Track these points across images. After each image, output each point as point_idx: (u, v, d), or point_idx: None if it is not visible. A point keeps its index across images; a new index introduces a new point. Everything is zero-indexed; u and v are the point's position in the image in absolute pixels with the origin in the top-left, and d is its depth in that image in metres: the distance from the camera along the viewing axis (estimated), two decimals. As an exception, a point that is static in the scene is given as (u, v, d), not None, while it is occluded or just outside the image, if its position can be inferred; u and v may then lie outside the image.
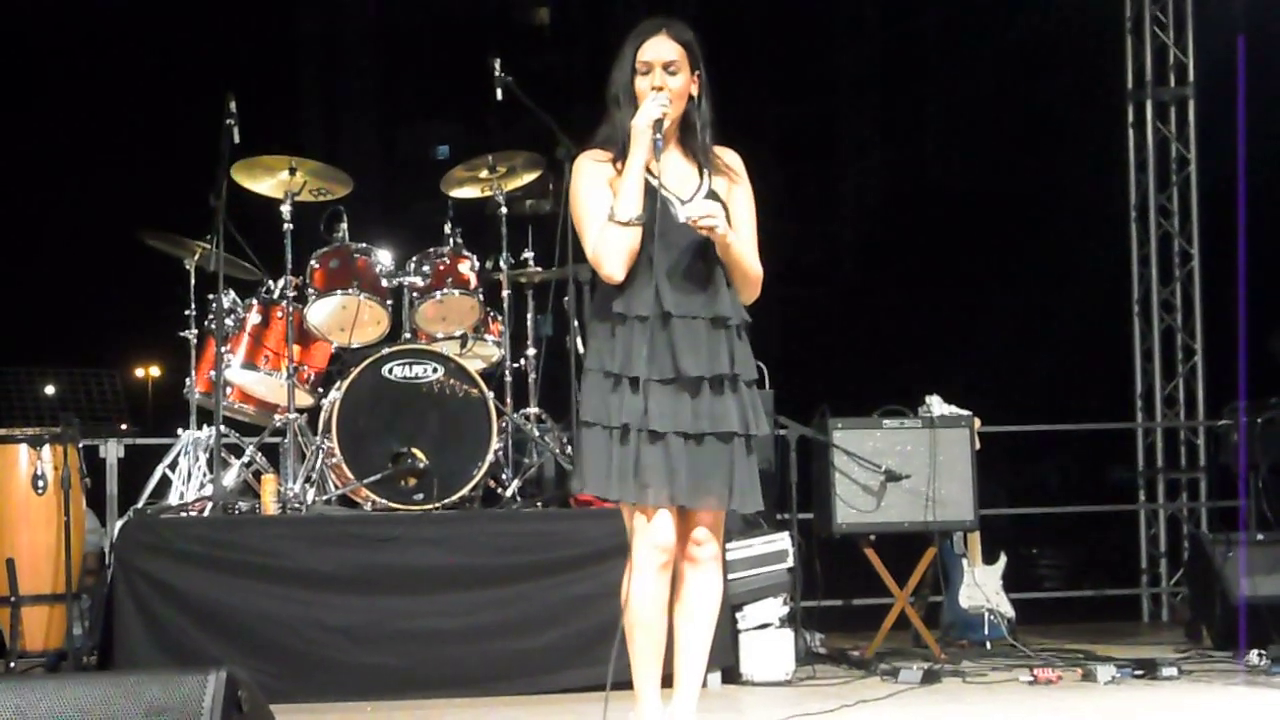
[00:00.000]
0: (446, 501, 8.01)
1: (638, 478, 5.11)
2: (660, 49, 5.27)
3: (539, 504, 8.24)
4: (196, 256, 8.66)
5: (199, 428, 8.54)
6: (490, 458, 8.13)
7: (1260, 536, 9.34)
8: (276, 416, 8.56)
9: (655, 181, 5.20)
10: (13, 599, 7.64)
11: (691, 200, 5.26)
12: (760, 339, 5.45)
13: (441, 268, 8.63)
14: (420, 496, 8.03)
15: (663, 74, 5.26)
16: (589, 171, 5.32)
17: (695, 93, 5.33)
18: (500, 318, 8.79)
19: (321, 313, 8.49)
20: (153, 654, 7.29)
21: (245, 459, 8.46)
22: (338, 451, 8.03)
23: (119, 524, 7.89)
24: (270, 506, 7.97)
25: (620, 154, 5.27)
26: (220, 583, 7.46)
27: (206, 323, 8.59)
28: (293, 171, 8.54)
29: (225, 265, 8.34)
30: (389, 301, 8.56)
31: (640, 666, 5.24)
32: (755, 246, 5.40)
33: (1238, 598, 8.94)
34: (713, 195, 5.29)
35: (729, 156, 5.44)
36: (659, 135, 5.19)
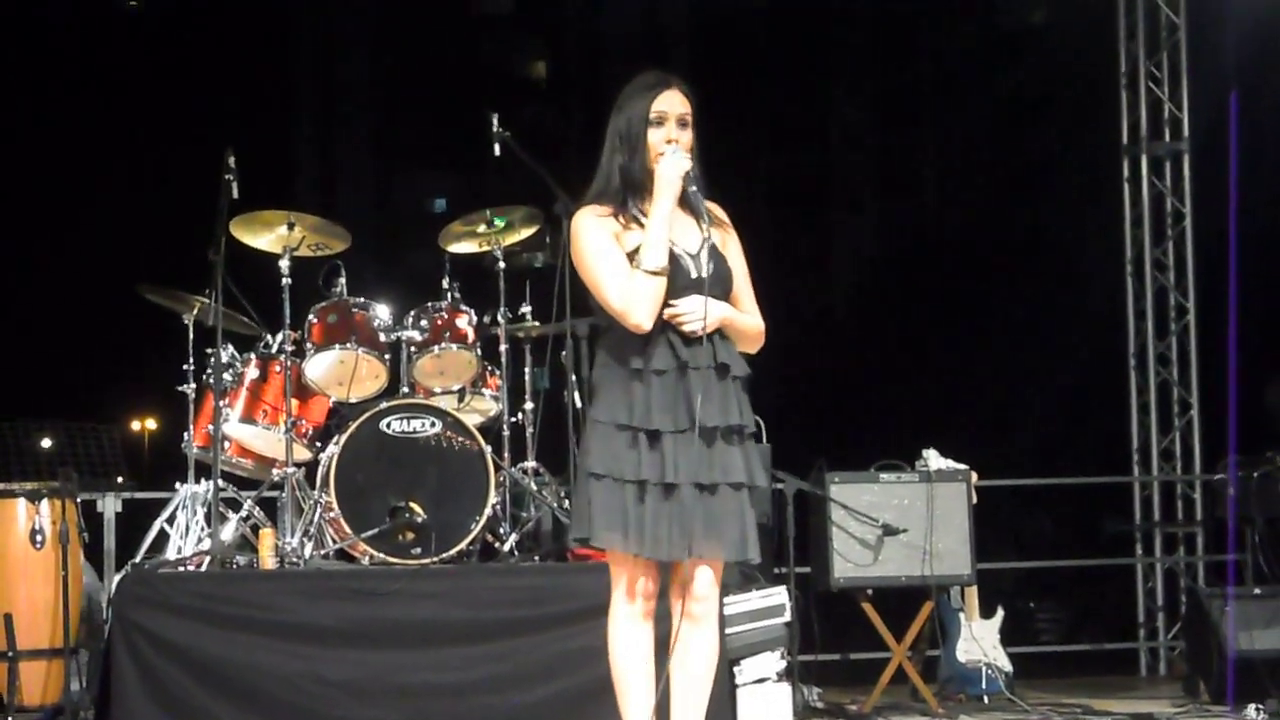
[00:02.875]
0: (444, 556, 8.00)
1: (652, 531, 5.13)
2: (674, 102, 5.34)
3: (536, 558, 8.24)
4: (195, 311, 8.67)
5: (196, 482, 8.53)
6: (488, 512, 8.13)
7: (1257, 591, 9.34)
8: (274, 471, 8.56)
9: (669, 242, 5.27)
10: (10, 654, 7.63)
11: (698, 255, 5.32)
12: (757, 392, 5.48)
13: (439, 322, 8.64)
14: (418, 551, 8.02)
15: (677, 128, 5.32)
16: (593, 227, 5.34)
17: (691, 147, 5.39)
18: (498, 372, 8.80)
19: (320, 367, 8.50)
20: (150, 709, 7.26)
21: (243, 513, 8.44)
22: (335, 506, 8.03)
23: (116, 578, 7.88)
24: (268, 561, 7.96)
25: (621, 206, 5.32)
26: (218, 637, 7.43)
27: (205, 377, 8.59)
28: (291, 227, 8.56)
29: (224, 320, 8.34)
30: (387, 356, 8.56)
31: (632, 716, 5.25)
32: (753, 297, 5.49)
33: (1235, 652, 8.93)
34: (714, 249, 5.35)
35: (715, 208, 5.51)
36: (694, 187, 5.26)
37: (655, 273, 5.21)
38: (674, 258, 5.27)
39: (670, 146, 5.31)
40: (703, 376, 5.24)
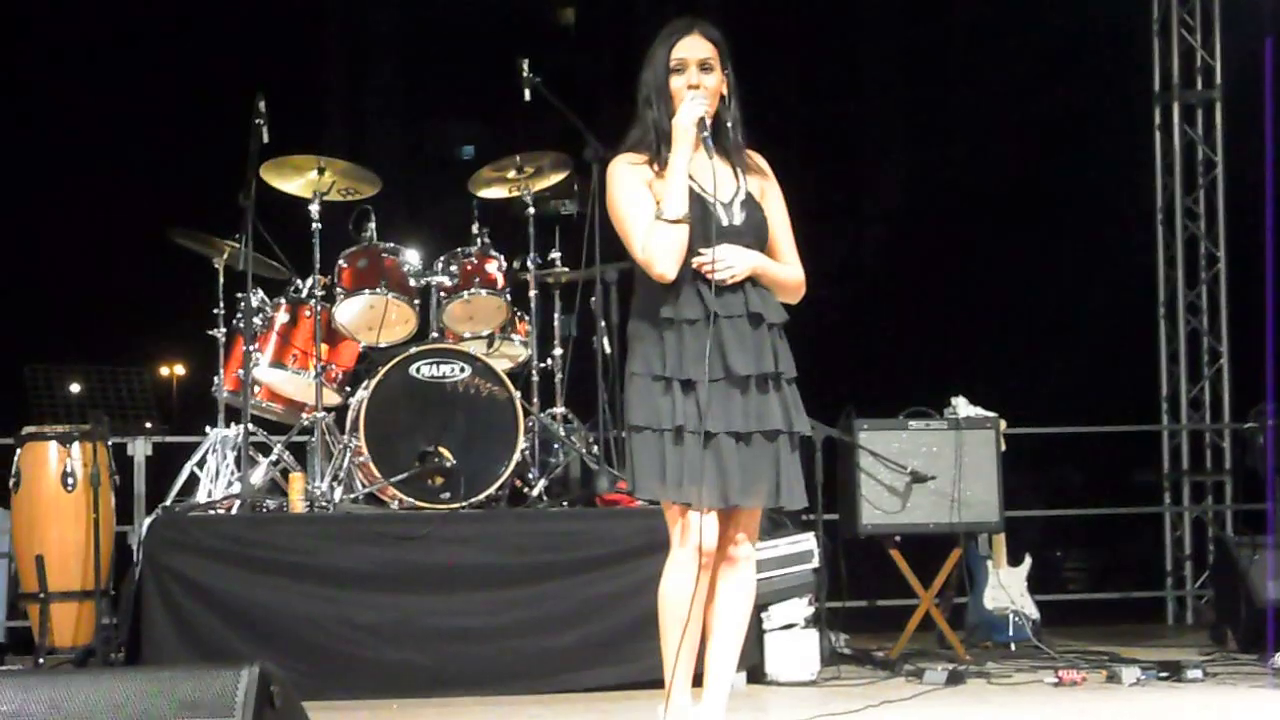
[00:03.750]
0: (473, 500, 8.04)
1: (692, 479, 5.13)
2: (694, 47, 5.32)
3: (565, 503, 8.26)
4: (225, 255, 8.69)
5: (226, 426, 8.57)
6: (517, 457, 8.15)
7: (1287, 539, 9.33)
8: (304, 415, 8.59)
9: (697, 187, 5.25)
10: (42, 595, 7.68)
11: (731, 203, 5.31)
12: (787, 339, 5.47)
13: (469, 268, 8.65)
14: (447, 495, 8.05)
15: (698, 72, 5.31)
16: (627, 175, 5.34)
17: (725, 92, 5.37)
18: (527, 318, 8.81)
19: (349, 312, 8.52)
20: (180, 650, 7.32)
21: (273, 457, 8.48)
22: (365, 450, 8.05)
23: (147, 521, 7.93)
24: (298, 505, 8.00)
25: (655, 155, 5.31)
26: (248, 580, 7.49)
27: (235, 321, 8.62)
28: (321, 171, 8.57)
29: (254, 264, 8.37)
30: (416, 301, 8.58)
31: (676, 664, 5.27)
32: (793, 245, 5.48)
33: (1264, 601, 8.93)
34: (749, 198, 5.34)
35: (756, 157, 5.49)
36: (706, 132, 5.25)
37: (675, 221, 5.21)
38: (705, 206, 5.25)
39: (690, 93, 5.29)
40: (734, 325, 5.24)
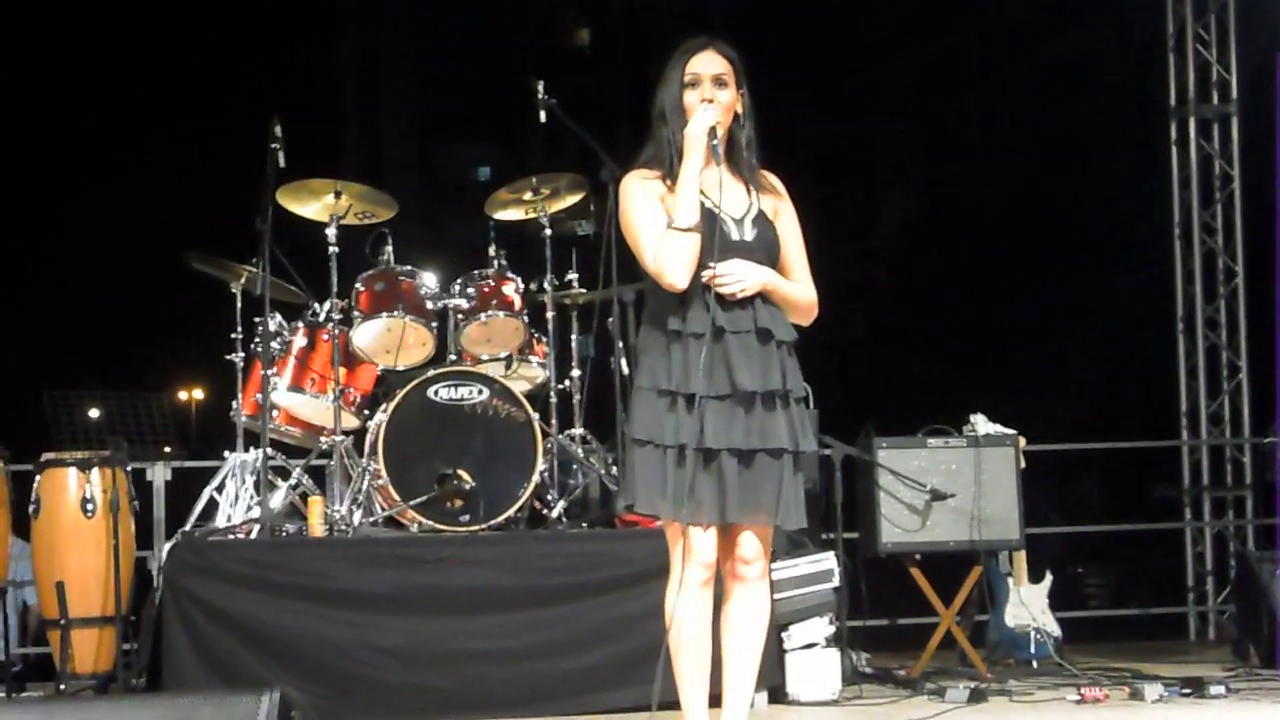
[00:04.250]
0: (492, 523, 8.03)
1: (692, 497, 5.13)
2: (709, 63, 5.33)
3: (584, 525, 8.26)
4: (242, 280, 8.70)
5: (245, 450, 8.57)
6: (536, 479, 8.14)
7: (1309, 554, 9.31)
8: (323, 439, 8.59)
9: (708, 201, 5.25)
10: (63, 622, 7.68)
11: (743, 220, 5.32)
12: (804, 358, 5.46)
13: (486, 290, 8.66)
14: (466, 518, 8.04)
15: (712, 87, 5.32)
16: (639, 189, 5.35)
17: (740, 110, 5.38)
18: (545, 339, 8.81)
19: (367, 335, 8.52)
20: (201, 676, 7.31)
21: (292, 481, 8.47)
22: (384, 473, 8.06)
23: (167, 547, 7.93)
24: (317, 529, 8.00)
25: (669, 171, 5.32)
26: (268, 604, 7.48)
27: (253, 345, 8.62)
28: (338, 195, 8.58)
29: (271, 288, 8.38)
30: (434, 324, 8.58)
31: (686, 686, 5.26)
32: (806, 265, 5.46)
33: (1286, 615, 8.91)
34: (761, 215, 5.34)
35: (770, 177, 5.50)
36: (716, 141, 5.25)
37: (686, 230, 5.21)
38: (716, 221, 5.25)
39: (703, 105, 5.30)
40: (742, 341, 5.24)
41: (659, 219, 5.27)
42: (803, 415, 5.34)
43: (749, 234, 5.31)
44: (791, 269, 5.42)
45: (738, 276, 5.22)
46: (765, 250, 5.34)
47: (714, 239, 5.21)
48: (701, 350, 5.18)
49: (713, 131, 5.27)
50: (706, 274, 5.21)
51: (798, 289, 5.40)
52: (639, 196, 5.34)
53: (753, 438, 5.21)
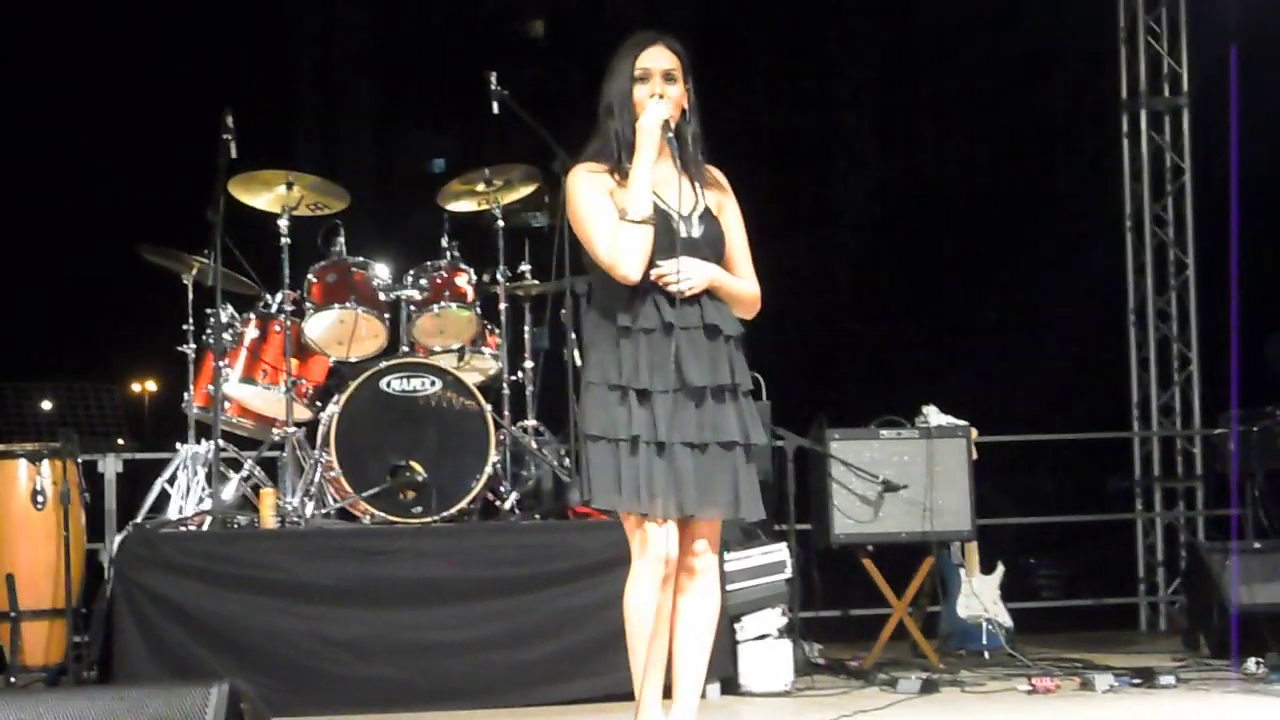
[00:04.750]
0: (445, 514, 8.03)
1: (648, 489, 5.14)
2: (658, 58, 5.35)
3: (537, 516, 8.26)
4: (194, 271, 8.67)
5: (197, 442, 8.55)
6: (489, 470, 8.15)
7: (1257, 545, 9.36)
8: (275, 430, 8.58)
9: (657, 198, 5.26)
10: (13, 614, 7.66)
11: (690, 216, 5.33)
12: (757, 350, 5.49)
13: (439, 281, 8.65)
14: (419, 509, 8.04)
15: (662, 82, 5.33)
16: (587, 182, 5.36)
17: (686, 106, 5.40)
18: (498, 331, 8.80)
19: (319, 327, 8.50)
20: (152, 668, 7.29)
21: (244, 473, 8.46)
22: (336, 465, 8.05)
23: (118, 539, 7.90)
24: (269, 520, 7.98)
25: (616, 165, 5.33)
26: (220, 597, 7.47)
27: (204, 337, 8.60)
28: (290, 186, 8.56)
29: (223, 280, 8.36)
30: (386, 315, 8.57)
31: (643, 678, 5.26)
32: (749, 260, 5.50)
33: (1236, 606, 8.96)
34: (708, 211, 5.37)
35: (714, 171, 5.51)
36: (671, 134, 5.27)
37: (640, 222, 5.22)
38: (664, 218, 5.27)
39: (653, 100, 5.31)
40: (690, 337, 5.25)
41: (609, 212, 5.28)
42: (752, 408, 5.38)
43: (696, 230, 5.34)
44: (736, 263, 5.44)
45: (686, 274, 5.23)
46: (712, 246, 5.36)
47: (665, 236, 5.23)
48: (650, 346, 5.22)
49: (666, 124, 5.29)
50: (656, 273, 5.23)
51: (743, 284, 5.43)
52: (587, 190, 5.34)
53: (705, 431, 5.23)
